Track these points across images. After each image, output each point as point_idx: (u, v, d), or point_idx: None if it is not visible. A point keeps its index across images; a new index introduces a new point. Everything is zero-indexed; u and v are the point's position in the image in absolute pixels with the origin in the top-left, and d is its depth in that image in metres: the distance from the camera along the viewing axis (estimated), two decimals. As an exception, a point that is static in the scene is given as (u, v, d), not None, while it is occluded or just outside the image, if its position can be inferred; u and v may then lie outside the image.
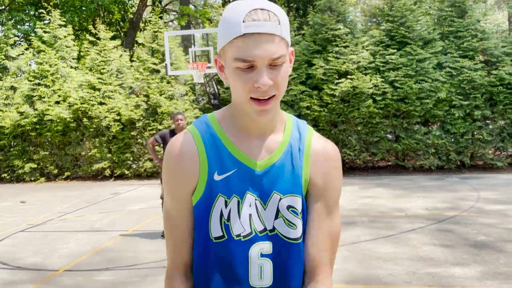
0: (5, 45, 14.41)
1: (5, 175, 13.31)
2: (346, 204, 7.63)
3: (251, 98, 0.99)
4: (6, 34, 14.82)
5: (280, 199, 1.08)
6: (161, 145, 5.85)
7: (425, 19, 12.23)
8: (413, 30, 11.76)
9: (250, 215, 1.07)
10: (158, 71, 13.04)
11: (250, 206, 1.07)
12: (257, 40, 0.96)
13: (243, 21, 0.96)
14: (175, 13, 27.03)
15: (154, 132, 12.41)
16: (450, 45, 11.55)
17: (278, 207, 1.07)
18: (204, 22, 16.57)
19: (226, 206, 1.07)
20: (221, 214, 1.07)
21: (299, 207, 1.08)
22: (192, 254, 1.12)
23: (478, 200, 7.56)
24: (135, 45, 16.02)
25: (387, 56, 11.52)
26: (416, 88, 10.99)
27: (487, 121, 11.37)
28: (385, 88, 11.24)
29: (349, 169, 12.00)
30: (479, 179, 9.87)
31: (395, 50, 11.54)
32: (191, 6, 22.41)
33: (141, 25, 19.04)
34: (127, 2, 21.21)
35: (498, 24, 13.21)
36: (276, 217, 1.08)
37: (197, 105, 12.93)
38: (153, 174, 12.71)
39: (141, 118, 12.56)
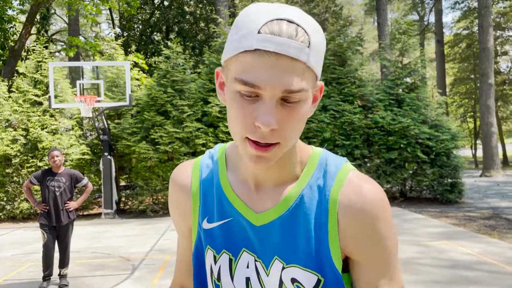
0: None
1: None
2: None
3: (246, 137, 0.73)
4: None
5: (284, 268, 0.81)
6: (40, 186, 5.35)
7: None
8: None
9: (247, 278, 0.84)
10: (40, 103, 12.06)
11: (248, 267, 0.84)
12: (272, 62, 0.69)
13: (259, 32, 0.69)
14: (63, 43, 25.59)
15: (33, 169, 11.31)
16: (333, 90, 12.66)
17: (281, 278, 0.81)
18: (94, 55, 15.93)
19: (215, 262, 0.86)
20: (211, 271, 0.86)
21: (309, 285, 0.79)
22: (191, 280, 0.95)
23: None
24: (15, 74, 14.71)
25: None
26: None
27: (365, 160, 12.53)
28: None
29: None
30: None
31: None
32: (80, 38, 21.46)
33: (23, 54, 17.62)
34: (8, 29, 19.55)
35: (373, 74, 14.90)
36: None
37: (84, 141, 12.16)
38: (30, 216, 11.46)
39: (19, 154, 11.38)
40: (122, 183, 13.46)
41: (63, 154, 11.53)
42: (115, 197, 11.62)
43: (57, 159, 5.26)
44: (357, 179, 0.80)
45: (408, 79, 13.33)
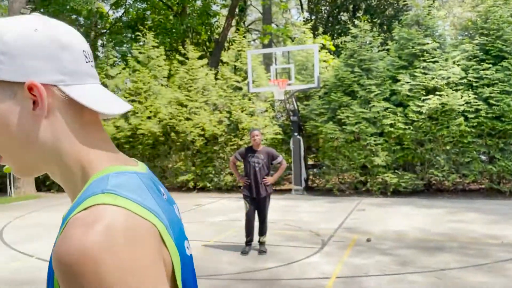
0: (106, 65, 15.86)
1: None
2: (433, 227, 7.20)
3: None
4: (107, 55, 16.33)
5: None
6: (243, 161, 6.06)
7: (524, 31, 11.30)
8: (511, 44, 10.93)
9: None
10: (240, 89, 13.48)
11: None
12: None
13: None
14: (257, 32, 27.83)
15: (235, 147, 12.78)
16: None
17: None
18: (285, 40, 16.86)
19: None
20: None
21: None
22: None
23: None
24: (220, 63, 16.71)
25: (481, 71, 10.79)
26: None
27: None
28: (478, 105, 10.51)
29: (437, 190, 11.32)
30: None
31: (490, 65, 10.78)
32: (273, 25, 22.93)
33: (226, 44, 19.87)
34: (214, 23, 22.32)
35: None
36: None
37: (276, 122, 13.12)
38: (233, 188, 13.05)
39: (223, 134, 13.02)
40: (310, 162, 14.07)
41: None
42: (304, 175, 12.27)
43: (257, 138, 5.86)
44: (82, 217, 0.60)
45: None
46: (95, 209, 0.60)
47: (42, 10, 19.26)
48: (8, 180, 14.18)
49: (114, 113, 0.72)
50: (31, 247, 6.58)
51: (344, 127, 11.56)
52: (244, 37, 14.87)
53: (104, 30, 21.44)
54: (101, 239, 0.56)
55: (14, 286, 4.77)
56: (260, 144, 6.00)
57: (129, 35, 20.26)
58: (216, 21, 22.47)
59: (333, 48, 15.67)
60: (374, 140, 11.37)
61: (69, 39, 0.70)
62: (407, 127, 11.08)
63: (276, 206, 10.06)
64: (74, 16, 20.51)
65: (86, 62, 0.72)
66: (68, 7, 17.45)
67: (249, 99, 13.36)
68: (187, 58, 14.73)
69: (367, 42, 12.29)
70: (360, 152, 11.54)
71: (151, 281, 0.58)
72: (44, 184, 15.49)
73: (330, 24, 21.45)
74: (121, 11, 22.11)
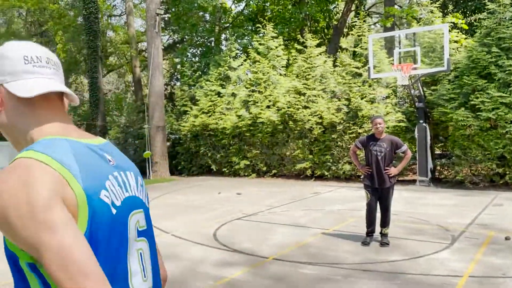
0: (228, 58, 16.70)
1: (225, 169, 15.44)
2: None
3: None
4: (230, 47, 17.18)
5: None
6: (364, 150, 5.87)
7: None
8: None
9: None
10: (360, 75, 13.06)
11: None
12: None
13: None
14: (378, 15, 26.56)
15: (354, 135, 12.47)
16: None
17: None
18: (410, 22, 15.79)
19: None
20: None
21: None
22: None
23: None
24: (339, 50, 16.39)
25: None
26: None
27: None
28: None
29: None
30: None
31: None
32: (396, 7, 21.66)
33: (345, 30, 19.38)
34: (332, 9, 21.92)
35: None
36: None
37: (399, 108, 12.43)
38: (351, 177, 12.78)
39: (342, 122, 12.79)
40: (437, 152, 13.08)
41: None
42: (430, 165, 11.46)
43: (380, 126, 5.61)
44: (5, 167, 0.93)
45: None
46: (15, 161, 0.93)
47: (173, 9, 21.03)
48: (147, 164, 15.92)
49: (33, 95, 0.98)
50: (168, 225, 7.32)
51: (478, 113, 10.47)
52: (364, 21, 14.33)
53: (227, 25, 22.54)
54: (2, 176, 0.89)
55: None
56: (383, 132, 5.74)
57: (250, 27, 20.98)
58: (335, 6, 22.02)
59: (465, 27, 14.22)
60: (515, 128, 10.09)
61: (9, 52, 1.02)
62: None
63: (399, 197, 9.58)
64: (201, 13, 21.97)
65: (26, 64, 1.02)
66: (196, 4, 18.73)
67: (370, 86, 12.88)
68: (305, 47, 14.75)
69: (507, 18, 10.88)
70: (497, 141, 10.35)
71: (39, 204, 0.85)
72: (176, 168, 17.03)
73: (461, 1, 19.47)
74: (242, 5, 23.00)
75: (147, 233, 1.11)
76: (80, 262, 0.83)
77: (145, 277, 1.07)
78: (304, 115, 13.31)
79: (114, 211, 0.99)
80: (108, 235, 0.96)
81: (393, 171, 5.59)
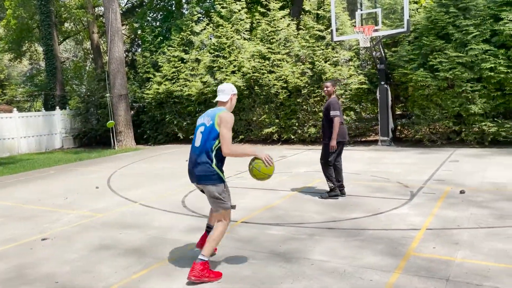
0: (191, 22, 16.27)
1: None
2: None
3: None
4: (191, 11, 16.70)
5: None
6: None
7: None
8: None
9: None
10: (323, 38, 13.08)
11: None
12: None
13: None
14: (341, -24, 26.32)
15: (319, 99, 12.63)
16: None
17: None
18: (372, -17, 15.78)
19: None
20: None
21: None
22: None
23: None
24: (302, 13, 16.27)
25: None
26: None
27: None
28: None
29: (543, 140, 10.28)
30: None
31: None
32: (358, -33, 21.47)
33: (308, -8, 19.13)
34: (294, -30, 21.45)
35: None
36: None
37: (362, 71, 12.62)
38: (317, 140, 13.04)
39: (306, 85, 12.89)
40: (398, 112, 13.48)
41: (343, 84, 12.35)
42: (391, 125, 11.83)
43: (326, 89, 6.16)
44: (223, 113, 3.77)
45: None
46: (225, 111, 3.76)
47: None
48: (111, 134, 15.61)
49: None
50: (135, 194, 7.31)
51: (436, 73, 10.80)
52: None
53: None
54: (227, 114, 3.71)
55: (121, 228, 5.39)
56: (331, 95, 6.08)
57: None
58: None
59: (425, -13, 14.35)
60: (471, 87, 10.50)
61: None
62: (510, 70, 10.04)
63: (362, 157, 9.90)
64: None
65: None
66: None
67: (333, 49, 12.95)
68: (269, 10, 14.55)
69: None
70: (454, 100, 10.77)
71: (231, 123, 3.73)
72: (142, 138, 16.80)
73: (422, -40, 19.53)
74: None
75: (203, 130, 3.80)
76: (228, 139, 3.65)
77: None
78: (269, 80, 13.31)
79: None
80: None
81: (331, 145, 6.01)
